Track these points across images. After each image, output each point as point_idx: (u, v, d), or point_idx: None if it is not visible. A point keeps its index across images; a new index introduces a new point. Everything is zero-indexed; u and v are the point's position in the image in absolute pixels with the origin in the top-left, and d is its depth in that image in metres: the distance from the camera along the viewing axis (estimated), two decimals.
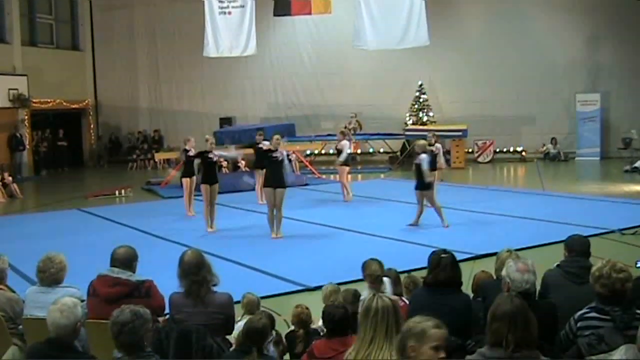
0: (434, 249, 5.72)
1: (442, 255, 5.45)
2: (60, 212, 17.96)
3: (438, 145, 16.97)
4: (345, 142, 17.81)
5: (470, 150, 27.33)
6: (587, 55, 27.14)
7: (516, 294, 4.36)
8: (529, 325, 3.91)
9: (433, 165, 14.94)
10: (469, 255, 10.76)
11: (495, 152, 27.49)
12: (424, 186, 13.65)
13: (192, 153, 15.76)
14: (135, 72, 32.97)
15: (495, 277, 6.19)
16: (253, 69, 30.48)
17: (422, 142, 14.27)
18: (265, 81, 30.95)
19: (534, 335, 3.92)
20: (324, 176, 23.45)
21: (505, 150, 27.71)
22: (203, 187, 14.26)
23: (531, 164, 26.21)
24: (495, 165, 26.53)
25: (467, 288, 6.51)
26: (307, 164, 23.05)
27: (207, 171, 14.46)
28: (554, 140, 27.19)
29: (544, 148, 27.35)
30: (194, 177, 16.10)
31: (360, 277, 6.57)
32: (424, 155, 13.63)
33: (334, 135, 25.95)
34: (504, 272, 5.08)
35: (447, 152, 26.15)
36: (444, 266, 5.39)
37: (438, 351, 3.61)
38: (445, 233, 12.89)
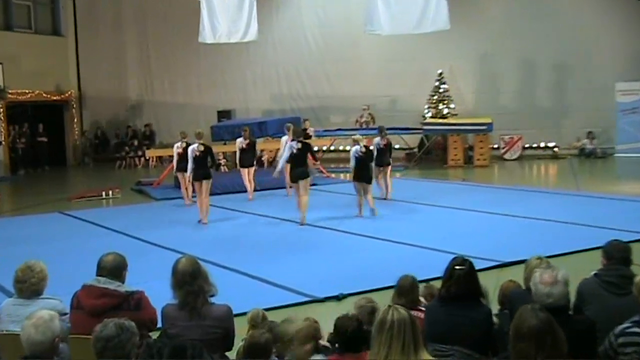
0: (455, 256, 5.72)
1: (456, 267, 5.44)
2: (40, 215, 17.97)
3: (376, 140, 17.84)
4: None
5: (495, 146, 27.28)
6: (628, 40, 26.95)
7: (541, 308, 4.33)
8: (559, 343, 3.88)
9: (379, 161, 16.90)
10: (495, 263, 10.73)
11: (523, 148, 27.44)
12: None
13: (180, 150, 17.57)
14: (123, 59, 33.06)
15: (524, 287, 6.17)
16: (254, 57, 30.51)
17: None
18: (268, 70, 30.99)
19: (564, 352, 3.89)
20: (333, 175, 23.44)
21: (535, 146, 27.64)
22: (195, 183, 15.81)
23: (564, 161, 26.14)
24: (524, 163, 26.47)
25: (493, 299, 6.52)
26: (321, 168, 22.99)
27: (197, 167, 15.73)
28: (590, 135, 27.07)
29: (579, 143, 27.25)
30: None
31: (374, 286, 6.55)
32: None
33: (345, 129, 26.04)
34: (531, 283, 5.06)
35: (470, 149, 26.17)
36: (456, 279, 5.39)
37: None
38: (468, 238, 12.86)
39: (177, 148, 18.01)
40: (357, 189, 15.57)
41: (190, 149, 16.05)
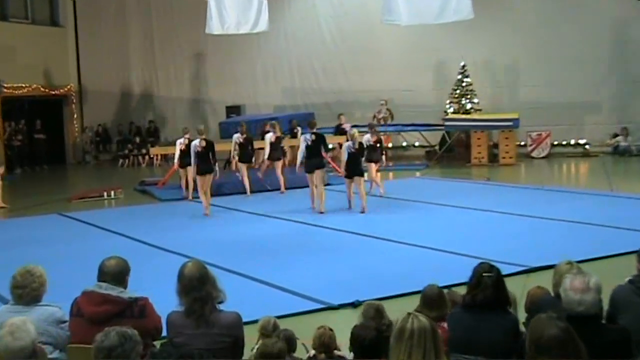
0: (481, 262, 5.70)
1: (484, 274, 5.45)
2: (37, 217, 18.04)
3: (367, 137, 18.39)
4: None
5: (522, 143, 27.20)
6: None
7: (559, 316, 4.31)
8: (580, 353, 3.86)
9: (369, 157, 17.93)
10: (522, 268, 10.70)
11: (552, 145, 27.31)
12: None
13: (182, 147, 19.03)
14: (126, 51, 33.17)
15: (553, 294, 6.14)
16: (265, 49, 30.56)
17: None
18: (279, 63, 31.02)
19: None
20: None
21: (564, 143, 27.52)
22: (198, 177, 17.24)
23: (596, 159, 26.03)
24: (553, 161, 26.37)
25: (519, 307, 6.50)
26: (330, 160, 23.04)
27: (199, 162, 17.09)
28: (624, 131, 26.93)
29: (613, 141, 27.12)
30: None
31: (393, 292, 6.53)
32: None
33: (360, 126, 25.90)
34: (561, 289, 5.04)
35: (495, 146, 26.11)
36: (484, 286, 5.40)
37: None
38: (493, 242, 12.83)
39: (179, 144, 19.12)
40: (347, 184, 16.93)
41: (192, 144, 17.30)
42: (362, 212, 16.35)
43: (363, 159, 17.10)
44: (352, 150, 16.49)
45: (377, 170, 19.14)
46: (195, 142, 17.14)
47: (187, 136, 19.05)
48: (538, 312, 5.70)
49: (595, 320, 4.86)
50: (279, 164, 20.63)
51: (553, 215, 15.00)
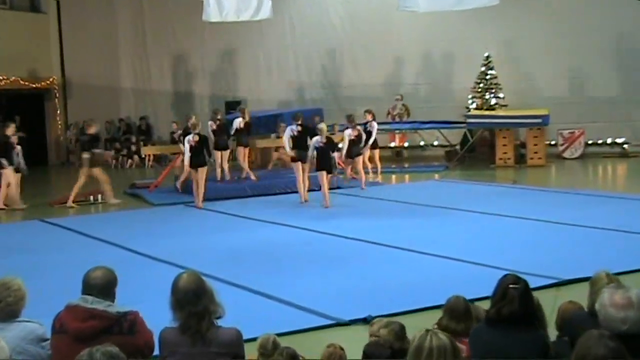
0: (506, 273, 5.69)
1: (511, 286, 5.45)
2: (16, 224, 18.11)
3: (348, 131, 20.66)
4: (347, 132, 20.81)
5: (552, 142, 27.18)
6: None
7: (612, 335, 4.28)
8: None
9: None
10: (552, 281, 10.67)
11: (586, 144, 27.27)
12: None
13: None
14: (115, 41, 33.24)
15: (587, 310, 6.12)
16: (268, 39, 30.59)
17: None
18: (284, 54, 31.05)
19: None
20: (357, 176, 23.31)
21: (600, 142, 27.44)
22: (192, 171, 18.85)
23: (636, 160, 26.02)
24: (587, 162, 26.34)
25: (550, 324, 6.48)
26: (340, 161, 23.04)
27: (193, 155, 18.59)
28: None
29: None
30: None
31: (409, 307, 6.53)
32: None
33: (381, 123, 25.83)
34: (598, 305, 5.00)
35: (522, 145, 26.06)
36: (511, 299, 5.40)
37: None
38: (520, 251, 12.80)
39: (188, 141, 18.88)
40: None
41: (186, 139, 18.83)
42: (326, 207, 18.09)
43: (335, 154, 18.78)
44: (320, 144, 18.19)
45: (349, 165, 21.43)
46: (189, 137, 18.70)
47: (196, 131, 18.93)
48: (571, 329, 5.72)
49: (638, 339, 4.79)
50: (224, 155, 21.88)
51: (587, 222, 14.96)
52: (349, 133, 20.48)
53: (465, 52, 27.87)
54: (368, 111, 23.18)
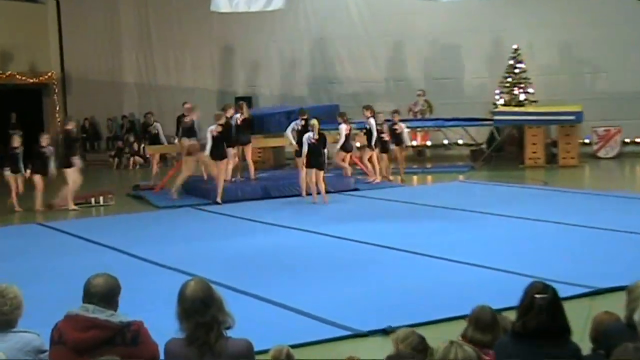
0: (533, 280, 5.65)
1: (537, 296, 5.38)
2: (13, 227, 18.16)
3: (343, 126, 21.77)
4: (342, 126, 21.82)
5: (586, 141, 27.11)
6: None
7: None
8: None
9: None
10: (586, 290, 10.65)
11: (623, 143, 27.21)
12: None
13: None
14: (117, 33, 33.31)
15: (625, 322, 6.09)
16: (281, 31, 30.61)
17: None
18: (298, 47, 31.05)
19: None
20: (378, 179, 23.32)
21: (638, 140, 27.40)
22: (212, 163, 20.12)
23: None
24: (624, 162, 26.30)
25: (583, 336, 6.45)
26: (357, 161, 23.07)
27: (214, 146, 19.60)
28: None
29: None
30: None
31: (431, 317, 6.52)
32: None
33: (406, 120, 25.78)
34: (637, 316, 4.98)
35: (553, 144, 25.98)
36: (538, 310, 5.34)
37: None
38: (550, 258, 12.77)
39: (210, 132, 19.78)
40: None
41: (208, 129, 19.70)
42: (323, 203, 19.10)
43: (325, 150, 19.59)
44: (312, 141, 19.03)
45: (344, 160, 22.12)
46: (212, 127, 19.61)
47: (220, 122, 19.87)
48: (607, 342, 5.68)
49: None
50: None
51: (624, 227, 14.91)
52: (344, 127, 21.63)
53: (492, 45, 27.84)
54: (367, 107, 23.19)
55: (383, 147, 22.51)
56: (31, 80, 31.14)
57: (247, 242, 15.20)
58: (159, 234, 16.53)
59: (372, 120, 22.32)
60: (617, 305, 6.54)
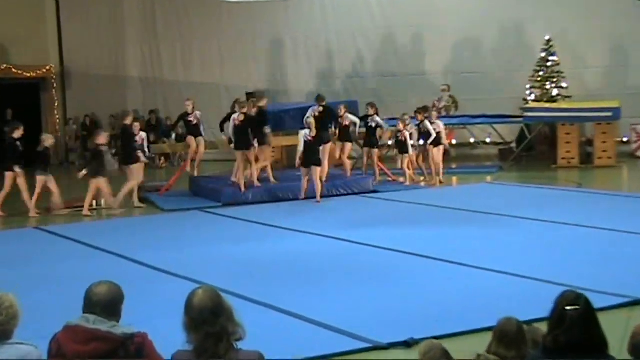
0: (565, 290, 5.60)
1: (567, 307, 5.27)
2: (9, 232, 18.22)
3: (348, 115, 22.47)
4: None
5: (624, 139, 27.03)
6: None
7: None
8: None
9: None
10: (624, 300, 10.61)
11: None
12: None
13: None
14: (121, 24, 33.41)
15: None
16: (295, 21, 30.67)
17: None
18: (315, 39, 31.09)
19: None
20: (401, 179, 23.36)
21: None
22: (237, 153, 20.52)
23: None
24: None
25: (621, 351, 6.43)
26: (378, 162, 23.08)
27: (237, 136, 20.56)
28: None
29: None
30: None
31: (455, 329, 6.51)
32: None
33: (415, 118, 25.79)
34: None
35: (588, 143, 25.91)
36: (569, 323, 5.25)
37: None
38: (584, 265, 12.74)
39: (233, 120, 20.63)
40: (303, 174, 20.23)
41: (232, 117, 20.54)
42: (317, 202, 19.86)
43: (321, 147, 20.27)
44: (308, 139, 19.87)
45: (349, 157, 23.01)
46: (234, 116, 20.42)
47: (244, 110, 20.59)
48: None
49: None
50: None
51: None
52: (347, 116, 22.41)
53: (523, 36, 27.80)
54: (370, 104, 23.34)
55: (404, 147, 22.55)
56: (28, 75, 31.23)
57: (259, 247, 15.23)
58: (165, 238, 16.56)
59: (377, 118, 22.78)
60: None
